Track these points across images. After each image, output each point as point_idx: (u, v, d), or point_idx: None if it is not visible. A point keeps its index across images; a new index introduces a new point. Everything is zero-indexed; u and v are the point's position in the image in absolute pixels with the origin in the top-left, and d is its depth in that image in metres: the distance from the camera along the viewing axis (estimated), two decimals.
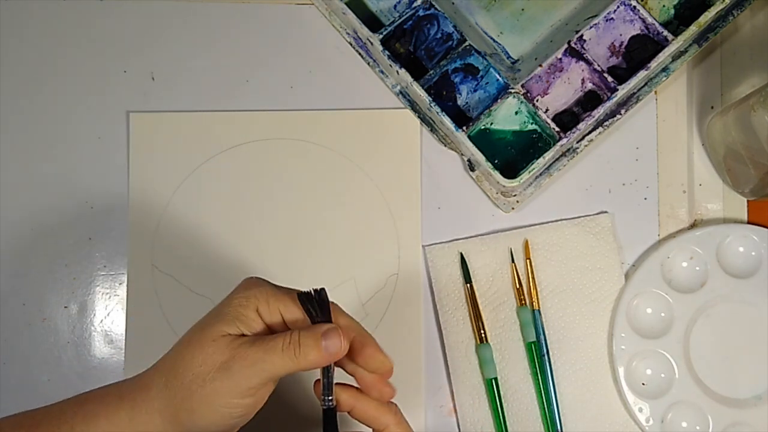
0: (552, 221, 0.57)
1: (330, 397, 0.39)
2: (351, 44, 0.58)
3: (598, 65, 0.54)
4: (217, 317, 0.39)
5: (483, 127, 0.55)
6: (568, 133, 0.52)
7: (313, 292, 0.39)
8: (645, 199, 0.57)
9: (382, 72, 0.57)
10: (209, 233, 0.56)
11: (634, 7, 0.54)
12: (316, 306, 0.39)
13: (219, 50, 0.58)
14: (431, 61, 0.56)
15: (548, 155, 0.52)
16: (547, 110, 0.55)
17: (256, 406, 0.39)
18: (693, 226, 0.57)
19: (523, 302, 0.55)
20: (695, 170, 0.58)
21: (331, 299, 0.40)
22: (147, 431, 0.38)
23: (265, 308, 0.39)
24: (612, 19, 0.55)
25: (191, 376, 0.37)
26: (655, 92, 0.57)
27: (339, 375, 0.41)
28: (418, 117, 0.57)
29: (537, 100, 0.55)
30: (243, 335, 0.39)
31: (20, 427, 0.39)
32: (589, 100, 0.55)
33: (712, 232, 0.55)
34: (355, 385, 0.42)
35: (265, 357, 0.37)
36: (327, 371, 0.39)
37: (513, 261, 0.56)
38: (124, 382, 0.41)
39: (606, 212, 0.57)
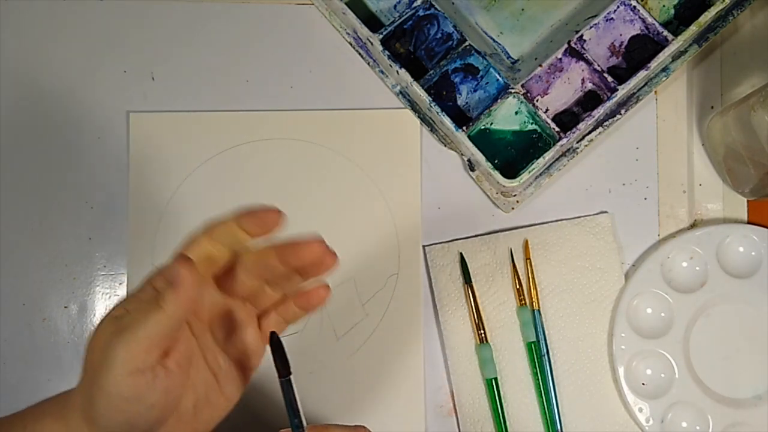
0: (552, 221, 0.57)
1: None
2: (351, 44, 0.58)
3: (598, 65, 0.54)
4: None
5: (483, 127, 0.55)
6: (568, 133, 0.52)
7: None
8: (645, 199, 0.57)
9: (382, 72, 0.57)
10: None
11: (634, 7, 0.54)
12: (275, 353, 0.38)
13: (219, 50, 0.58)
14: (431, 61, 0.56)
15: (548, 155, 0.52)
16: (547, 110, 0.55)
17: (144, 394, 0.34)
18: (693, 226, 0.57)
19: (523, 302, 0.55)
20: (695, 170, 0.58)
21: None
22: None
23: (158, 279, 0.38)
24: (612, 19, 0.55)
25: (90, 360, 0.36)
26: (655, 92, 0.57)
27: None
28: (418, 117, 0.57)
29: (537, 100, 0.55)
30: None
31: None
32: (589, 100, 0.55)
33: (712, 232, 0.55)
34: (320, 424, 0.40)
35: (136, 317, 0.35)
36: (294, 412, 0.37)
37: (513, 261, 0.56)
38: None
39: (606, 212, 0.57)
